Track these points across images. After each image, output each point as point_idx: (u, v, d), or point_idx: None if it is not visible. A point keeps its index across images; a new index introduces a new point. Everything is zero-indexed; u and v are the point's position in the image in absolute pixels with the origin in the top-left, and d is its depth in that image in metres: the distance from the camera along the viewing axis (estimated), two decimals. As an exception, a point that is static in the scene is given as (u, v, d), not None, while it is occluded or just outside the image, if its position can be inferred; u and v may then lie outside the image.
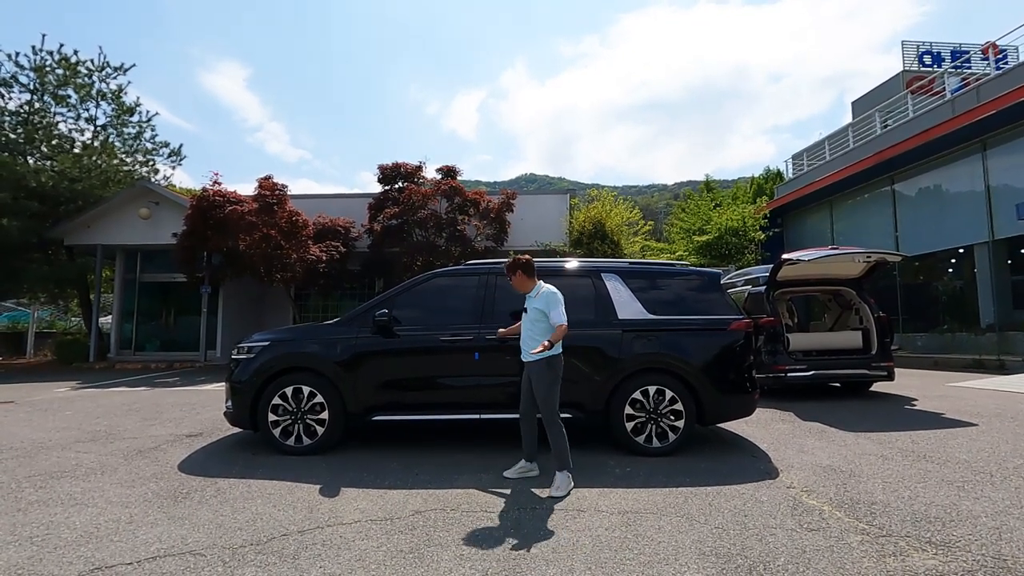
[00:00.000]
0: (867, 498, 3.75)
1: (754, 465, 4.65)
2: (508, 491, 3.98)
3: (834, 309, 9.29)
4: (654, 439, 4.90)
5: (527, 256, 4.41)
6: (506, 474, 4.26)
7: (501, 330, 4.63)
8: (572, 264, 5.50)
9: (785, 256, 7.74)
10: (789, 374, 7.62)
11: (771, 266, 8.27)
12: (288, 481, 4.21)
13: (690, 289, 5.32)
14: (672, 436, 4.91)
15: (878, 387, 8.66)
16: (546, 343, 3.97)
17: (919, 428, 5.91)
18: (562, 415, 4.19)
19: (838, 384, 8.71)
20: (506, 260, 4.46)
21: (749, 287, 8.53)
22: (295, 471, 4.47)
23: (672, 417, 4.92)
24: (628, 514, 3.51)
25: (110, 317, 17.50)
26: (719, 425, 5.79)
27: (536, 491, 3.96)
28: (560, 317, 4.06)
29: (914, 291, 14.92)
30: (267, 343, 5.17)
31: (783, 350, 7.75)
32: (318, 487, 4.08)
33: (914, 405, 7.37)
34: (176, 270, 14.91)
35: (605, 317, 5.04)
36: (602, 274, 5.26)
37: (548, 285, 4.27)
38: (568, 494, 3.92)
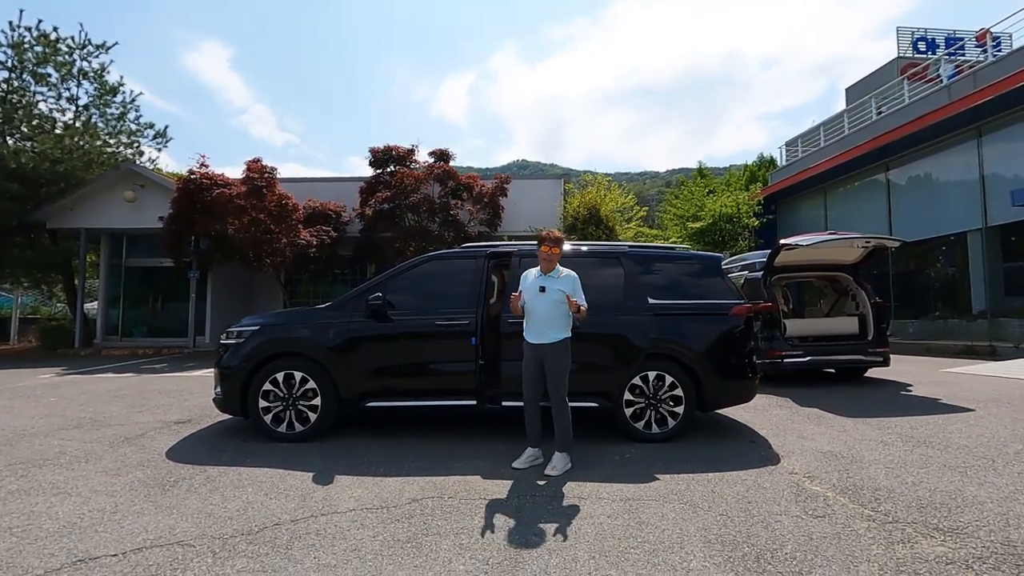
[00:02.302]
0: (870, 484, 3.71)
1: (754, 451, 4.59)
2: (507, 479, 3.90)
3: (830, 295, 9.27)
4: (653, 425, 4.84)
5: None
6: (515, 464, 4.12)
7: (515, 294, 4.14)
8: (598, 247, 5.42)
9: (783, 241, 7.68)
10: (786, 360, 7.60)
11: (768, 252, 8.21)
12: (280, 469, 4.10)
13: (690, 274, 5.23)
14: (671, 422, 4.84)
15: (873, 373, 8.68)
16: (584, 308, 3.98)
17: (917, 413, 5.89)
18: (588, 404, 4.40)
19: (833, 370, 8.71)
20: (517, 243, 4.34)
21: (746, 273, 8.47)
22: (287, 458, 4.35)
23: (672, 403, 4.85)
24: (630, 501, 3.44)
25: (96, 303, 17.16)
26: (717, 411, 5.74)
27: (536, 480, 3.87)
28: (585, 302, 4.06)
29: (906, 278, 14.98)
30: (257, 327, 5.02)
31: (780, 336, 7.72)
32: (311, 475, 3.97)
33: (910, 391, 7.37)
34: (163, 255, 14.61)
35: (637, 301, 4.92)
36: (623, 257, 5.14)
37: (567, 269, 4.20)
38: (563, 474, 3.93)
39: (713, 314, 5.01)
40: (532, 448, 4.22)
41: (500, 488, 3.68)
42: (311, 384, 4.85)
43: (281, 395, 4.86)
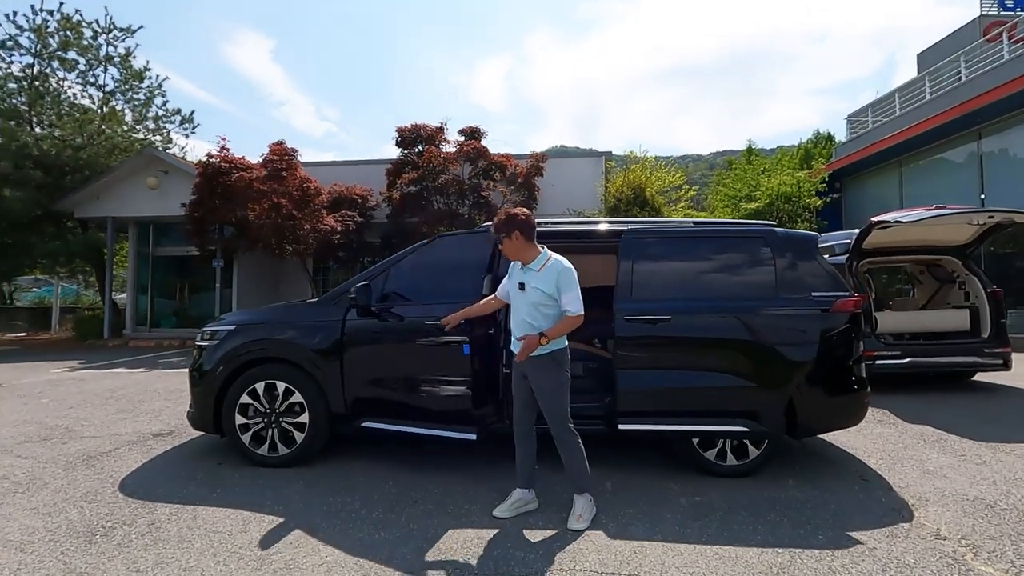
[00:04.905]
0: (1072, 565, 2.51)
1: (870, 494, 3.42)
2: (533, 530, 2.89)
3: (928, 283, 7.78)
4: (729, 455, 3.71)
5: (525, 211, 3.14)
6: (497, 512, 3.11)
7: (451, 316, 3.39)
8: (739, 224, 4.45)
9: (877, 218, 6.28)
10: (878, 361, 6.28)
11: (853, 232, 6.85)
12: (246, 510, 3.20)
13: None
14: (753, 451, 3.70)
15: (982, 377, 7.21)
16: (543, 338, 2.91)
17: (1074, 438, 4.54)
18: (736, 429, 3.50)
19: (931, 373, 7.28)
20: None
21: (825, 257, 7.12)
22: (261, 492, 3.47)
23: (753, 426, 3.70)
24: (713, 587, 2.36)
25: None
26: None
27: (570, 543, 2.83)
28: (577, 305, 2.95)
29: (1002, 261, 13.07)
30: (233, 327, 4.13)
31: (871, 332, 6.38)
32: (280, 521, 3.07)
33: (1044, 402, 5.95)
34: (189, 243, 14.16)
35: (798, 293, 3.79)
36: (780, 235, 4.07)
37: (557, 256, 3.08)
38: (590, 522, 2.98)
39: (809, 310, 3.81)
40: (520, 490, 3.21)
41: (523, 553, 2.66)
42: (297, 397, 3.94)
43: (262, 410, 3.97)
